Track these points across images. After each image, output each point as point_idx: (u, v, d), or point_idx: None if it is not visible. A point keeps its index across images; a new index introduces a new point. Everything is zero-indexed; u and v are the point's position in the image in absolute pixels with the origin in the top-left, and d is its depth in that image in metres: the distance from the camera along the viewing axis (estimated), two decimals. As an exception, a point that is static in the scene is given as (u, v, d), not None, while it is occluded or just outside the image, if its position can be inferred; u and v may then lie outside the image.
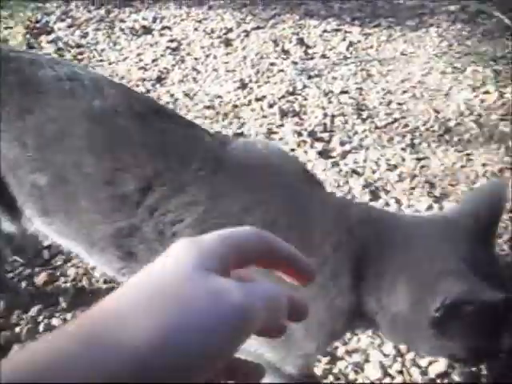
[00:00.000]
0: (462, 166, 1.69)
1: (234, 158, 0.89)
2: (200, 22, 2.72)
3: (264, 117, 1.93)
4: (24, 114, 0.89)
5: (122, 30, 2.67)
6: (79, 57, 2.42)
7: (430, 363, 1.11)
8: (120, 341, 0.26)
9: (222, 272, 0.31)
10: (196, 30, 2.64)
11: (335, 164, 1.67)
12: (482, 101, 2.01)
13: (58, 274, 1.39)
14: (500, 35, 2.47)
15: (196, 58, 2.40)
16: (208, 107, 2.03)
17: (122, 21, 2.76)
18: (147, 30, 2.66)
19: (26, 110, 0.89)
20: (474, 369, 1.06)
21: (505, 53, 2.33)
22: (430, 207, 1.51)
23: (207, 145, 0.90)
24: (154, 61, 2.39)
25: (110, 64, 2.39)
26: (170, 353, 0.27)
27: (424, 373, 1.10)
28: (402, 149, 1.75)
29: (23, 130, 0.89)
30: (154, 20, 2.76)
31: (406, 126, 1.87)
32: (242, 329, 0.30)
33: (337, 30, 2.56)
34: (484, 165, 1.69)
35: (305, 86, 2.11)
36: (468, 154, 1.74)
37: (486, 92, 2.05)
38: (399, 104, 1.99)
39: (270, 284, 0.33)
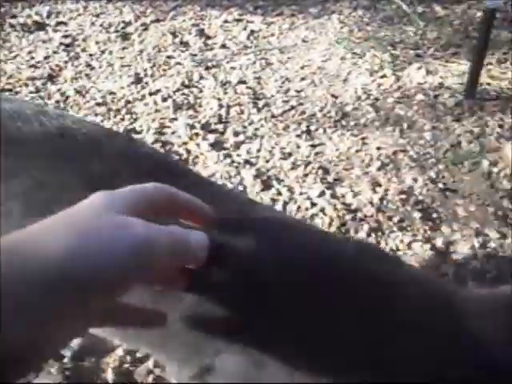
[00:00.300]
0: (357, 151, 1.67)
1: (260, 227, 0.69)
2: (97, 16, 2.60)
3: (157, 111, 1.85)
4: (8, 179, 0.72)
5: (12, 26, 2.51)
6: (-37, 57, 2.25)
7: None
8: (34, 256, 0.30)
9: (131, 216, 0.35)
10: (93, 24, 2.52)
11: (228, 155, 1.61)
12: (379, 85, 2.01)
13: None
14: (399, 21, 2.49)
15: (91, 54, 2.28)
16: (100, 104, 1.92)
17: (14, 16, 2.60)
18: (40, 26, 2.52)
19: (11, 174, 0.73)
20: None
21: (403, 37, 2.35)
22: (322, 193, 1.48)
23: (230, 207, 0.72)
24: (45, 58, 2.26)
25: (-3, 63, 2.23)
26: (73, 269, 0.30)
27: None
28: (298, 136, 1.71)
29: (7, 195, 0.73)
30: (49, 15, 2.61)
31: (303, 112, 1.83)
32: (145, 257, 0.33)
33: (238, 20, 2.50)
34: (379, 148, 1.68)
35: (201, 78, 2.04)
36: (363, 138, 1.72)
37: (384, 76, 2.06)
38: (297, 91, 1.96)
39: (179, 228, 0.37)
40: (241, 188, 1.48)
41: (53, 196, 0.73)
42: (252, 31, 2.40)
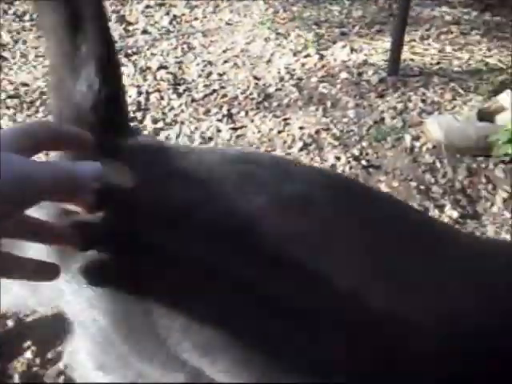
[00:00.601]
0: (280, 132, 1.64)
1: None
2: (11, 3, 2.46)
3: (72, 101, 1.76)
4: None
5: None
6: None
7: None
8: None
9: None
10: (5, 12, 2.38)
11: (145, 143, 1.55)
12: (303, 64, 1.98)
13: None
14: (324, 0, 2.47)
15: (3, 44, 2.15)
16: (12, 97, 1.81)
17: None
18: None
19: None
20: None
21: (328, 17, 2.33)
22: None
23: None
24: (-47, 51, 2.12)
25: None
26: None
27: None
28: (219, 120, 1.67)
29: None
30: (-43, 5, 2.45)
31: (225, 96, 1.79)
32: (28, 192, 0.33)
33: (161, 5, 2.42)
34: (301, 128, 1.66)
35: (121, 65, 1.96)
36: (286, 119, 1.69)
37: (308, 55, 2.03)
38: (219, 74, 1.91)
39: (64, 160, 0.41)
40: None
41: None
42: (175, 16, 2.33)
